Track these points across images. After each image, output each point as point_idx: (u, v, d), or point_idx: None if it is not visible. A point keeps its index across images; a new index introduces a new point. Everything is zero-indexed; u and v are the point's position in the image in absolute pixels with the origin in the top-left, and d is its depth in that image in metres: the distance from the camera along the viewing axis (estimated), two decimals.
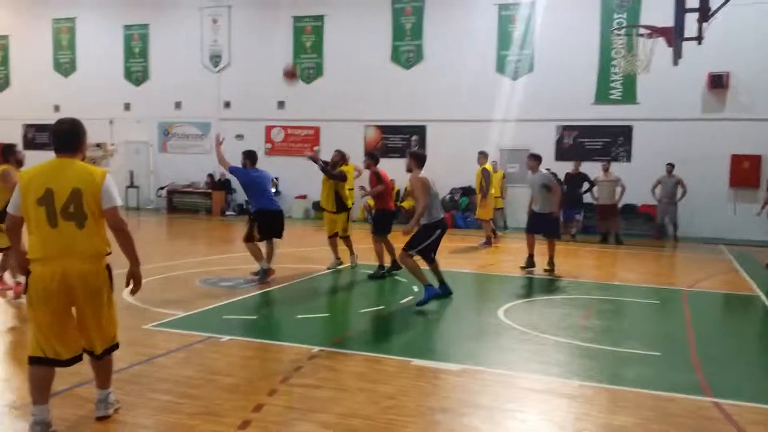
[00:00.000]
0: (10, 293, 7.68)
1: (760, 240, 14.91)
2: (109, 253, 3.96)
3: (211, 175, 20.74)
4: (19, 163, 7.51)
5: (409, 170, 7.91)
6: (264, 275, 8.84)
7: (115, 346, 4.11)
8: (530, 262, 10.39)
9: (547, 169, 10.81)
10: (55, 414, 3.95)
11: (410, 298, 8.13)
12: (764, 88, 15.38)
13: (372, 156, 10.22)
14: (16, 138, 23.65)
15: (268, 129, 20.59)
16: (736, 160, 15.71)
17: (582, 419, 4.39)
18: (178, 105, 21.53)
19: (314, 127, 19.95)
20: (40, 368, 3.80)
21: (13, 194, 3.88)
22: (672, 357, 5.94)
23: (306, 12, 19.86)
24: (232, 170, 9.13)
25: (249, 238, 9.01)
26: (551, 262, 10.23)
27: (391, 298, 8.45)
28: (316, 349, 5.73)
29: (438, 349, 6.22)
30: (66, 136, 3.92)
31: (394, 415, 4.33)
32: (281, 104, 20.31)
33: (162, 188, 21.34)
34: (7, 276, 7.91)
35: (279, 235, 9.16)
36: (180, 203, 20.81)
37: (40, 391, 3.80)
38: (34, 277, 3.77)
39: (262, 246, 9.03)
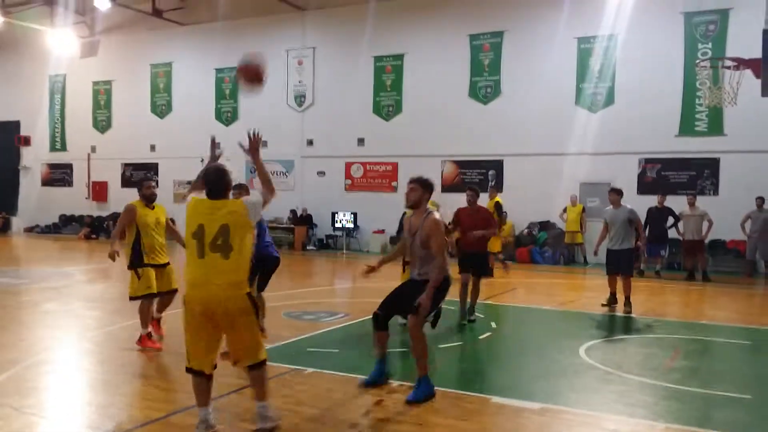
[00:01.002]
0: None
1: None
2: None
3: (293, 211, 21.44)
4: (149, 199, 7.42)
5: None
6: None
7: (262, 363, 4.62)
8: (612, 299, 10.21)
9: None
10: None
11: (488, 334, 8.17)
12: None
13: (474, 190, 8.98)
14: (115, 176, 25.41)
15: (348, 165, 21.16)
16: None
17: None
18: (264, 144, 22.26)
19: (392, 163, 20.36)
20: (195, 377, 4.49)
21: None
22: (765, 401, 5.72)
23: (386, 52, 20.45)
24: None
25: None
26: (629, 302, 9.99)
27: (469, 334, 8.49)
28: (395, 383, 5.87)
29: (518, 387, 6.22)
30: (216, 184, 4.55)
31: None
32: (361, 141, 20.86)
33: None
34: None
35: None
36: None
37: (199, 396, 4.51)
38: (187, 299, 4.43)
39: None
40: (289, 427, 4.77)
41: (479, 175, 18.86)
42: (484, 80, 18.94)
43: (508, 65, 18.60)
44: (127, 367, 6.48)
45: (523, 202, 16.38)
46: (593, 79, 17.39)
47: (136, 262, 7.16)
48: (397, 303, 5.74)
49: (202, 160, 7.15)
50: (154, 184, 7.70)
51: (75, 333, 7.96)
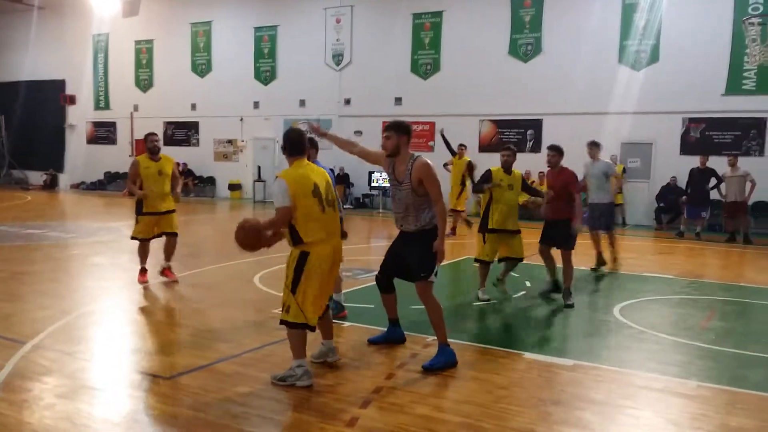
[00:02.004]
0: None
1: None
2: None
3: (331, 170, 21.57)
4: (151, 151, 8.17)
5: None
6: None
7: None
8: (600, 260, 10.14)
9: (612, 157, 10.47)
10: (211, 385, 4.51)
11: (523, 292, 8.26)
12: None
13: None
14: (158, 134, 25.80)
15: (385, 125, 21.08)
16: None
17: (698, 419, 4.38)
18: (302, 103, 22.59)
19: (429, 122, 20.26)
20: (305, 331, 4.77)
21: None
22: None
23: (425, 8, 20.19)
24: None
25: None
26: (601, 258, 10.04)
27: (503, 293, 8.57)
28: (430, 338, 6.01)
29: (551, 344, 6.32)
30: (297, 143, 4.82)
31: (506, 404, 4.54)
32: (398, 100, 20.78)
33: None
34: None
35: None
36: None
37: (299, 349, 4.75)
38: (316, 255, 4.65)
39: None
40: (329, 376, 4.98)
41: (518, 134, 18.68)
42: (525, 37, 18.59)
43: (549, 22, 18.20)
44: (172, 318, 6.79)
45: (562, 163, 16.11)
46: (637, 36, 16.92)
47: (138, 210, 8.11)
48: (394, 262, 5.55)
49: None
50: (156, 137, 8.30)
51: (123, 285, 8.31)
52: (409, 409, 4.38)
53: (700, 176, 14.17)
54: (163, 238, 8.30)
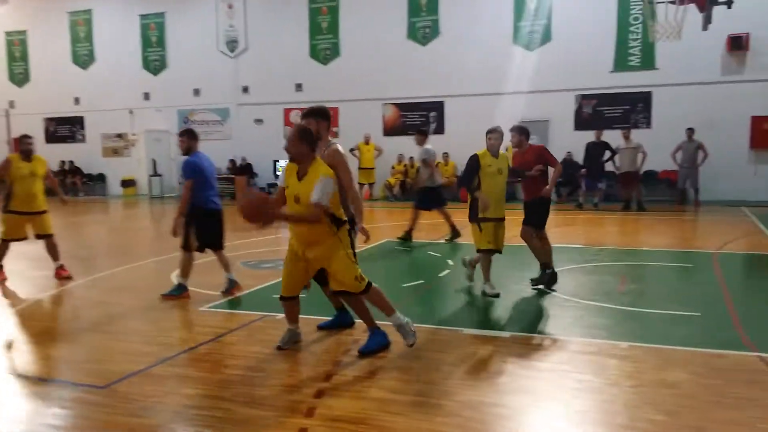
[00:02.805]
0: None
1: None
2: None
3: (232, 161, 21.00)
4: (24, 153, 8.14)
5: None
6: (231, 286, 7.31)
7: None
8: (408, 235, 10.75)
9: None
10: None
11: (447, 271, 8.38)
12: None
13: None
14: (37, 132, 24.09)
15: (287, 112, 20.79)
16: (756, 121, 15.75)
17: (635, 377, 4.60)
18: (196, 92, 21.76)
19: (333, 108, 20.09)
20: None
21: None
22: (712, 316, 6.13)
23: None
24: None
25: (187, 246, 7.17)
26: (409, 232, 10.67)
27: (431, 273, 8.67)
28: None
29: (485, 319, 6.45)
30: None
31: (455, 380, 4.57)
32: (299, 86, 20.48)
33: None
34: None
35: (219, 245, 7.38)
36: None
37: (388, 305, 5.15)
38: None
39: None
40: (275, 369, 4.82)
41: (420, 117, 18.91)
42: (423, 20, 18.79)
43: (446, 5, 18.49)
44: (94, 325, 6.33)
45: (465, 143, 16.43)
46: (530, 17, 17.53)
47: (4, 207, 8.15)
48: None
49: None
50: (30, 140, 8.35)
51: (30, 292, 7.68)
52: (364, 393, 4.33)
53: (596, 150, 14.94)
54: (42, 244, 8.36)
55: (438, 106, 18.74)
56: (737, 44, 15.52)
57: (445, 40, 18.51)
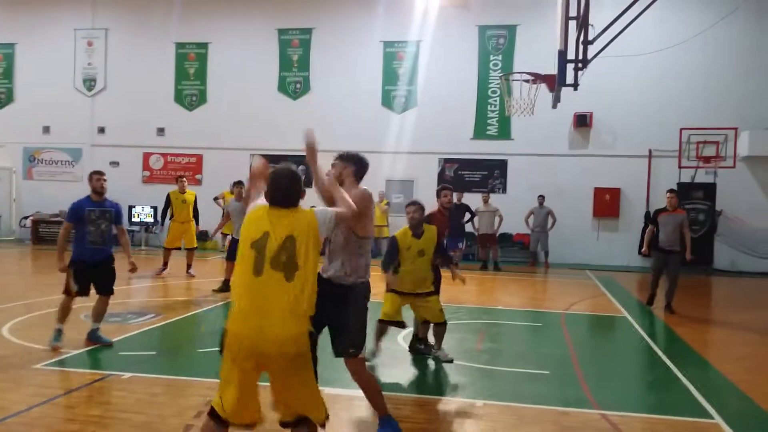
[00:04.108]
0: None
1: (619, 265, 16.44)
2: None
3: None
4: None
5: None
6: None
7: None
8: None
9: None
10: None
11: None
12: (622, 127, 17.14)
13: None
14: None
15: (146, 156, 19.91)
16: (599, 192, 17.25)
17: None
18: (46, 129, 20.33)
19: (197, 155, 19.56)
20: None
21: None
22: (560, 375, 6.45)
23: (189, 39, 19.57)
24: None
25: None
26: None
27: None
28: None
29: (344, 378, 6.32)
30: (286, 192, 3.51)
31: None
32: (161, 130, 19.75)
33: (26, 218, 19.89)
34: None
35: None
36: (47, 234, 19.41)
37: None
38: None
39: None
40: None
41: None
42: (294, 75, 18.96)
43: (317, 62, 18.80)
44: None
45: None
46: (398, 82, 18.25)
47: None
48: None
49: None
50: None
51: None
52: None
53: (457, 211, 15.55)
54: None
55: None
56: (582, 121, 17.10)
57: (315, 96, 18.73)
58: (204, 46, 19.53)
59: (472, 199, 16.17)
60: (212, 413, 3.35)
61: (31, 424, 4.53)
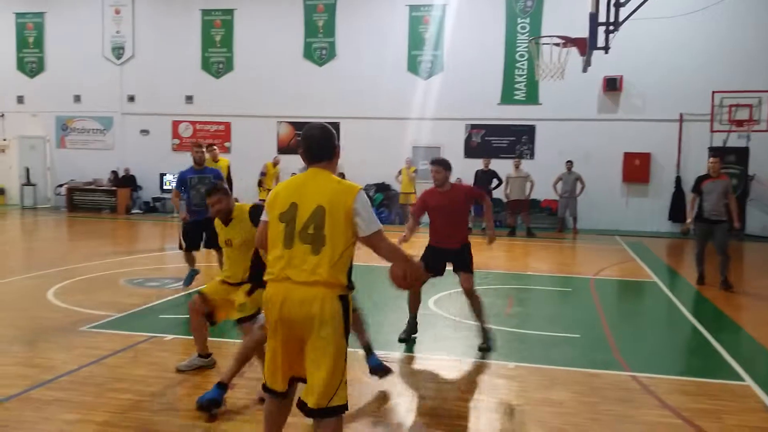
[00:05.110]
0: None
1: (649, 231, 16.33)
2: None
3: (114, 172, 20.00)
4: None
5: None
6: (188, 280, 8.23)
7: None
8: None
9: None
10: None
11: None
12: (653, 91, 16.81)
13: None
14: None
15: (176, 124, 20.11)
16: (629, 157, 17.05)
17: (522, 396, 4.82)
18: (77, 98, 20.60)
19: (225, 122, 19.70)
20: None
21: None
22: (590, 338, 6.54)
23: (215, 5, 19.55)
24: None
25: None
26: None
27: None
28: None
29: (379, 341, 6.46)
30: (318, 143, 3.36)
31: (354, 401, 4.57)
32: (189, 98, 19.89)
33: (61, 185, 20.32)
34: None
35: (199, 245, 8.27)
36: (82, 201, 19.87)
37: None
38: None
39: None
40: (165, 393, 4.61)
41: None
42: (319, 41, 18.89)
43: (342, 28, 18.69)
44: None
45: (360, 165, 16.67)
46: (424, 47, 18.09)
47: None
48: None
49: None
50: None
51: None
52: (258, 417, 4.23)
53: (484, 177, 15.56)
54: None
55: (334, 127, 18.63)
56: (612, 85, 16.82)
57: (341, 62, 18.68)
58: (230, 12, 19.50)
59: (501, 166, 16.10)
60: (264, 386, 3.33)
61: (83, 383, 4.76)
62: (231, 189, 12.98)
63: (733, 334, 7.02)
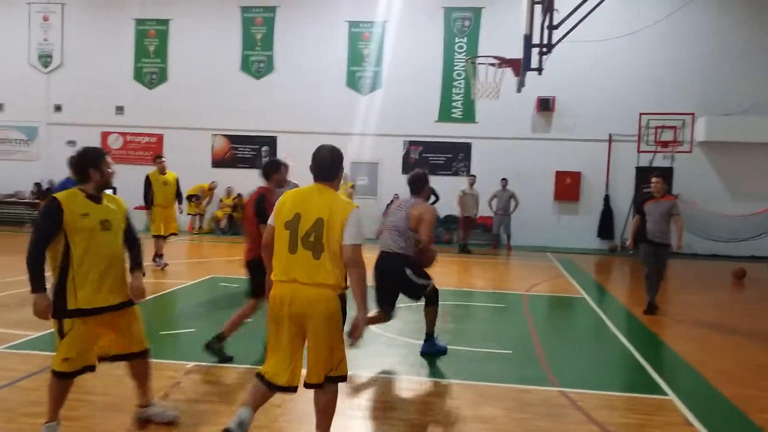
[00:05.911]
0: None
1: (579, 248, 16.80)
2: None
3: (38, 184, 19.16)
4: None
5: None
6: None
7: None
8: None
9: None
10: None
11: None
12: (584, 112, 17.41)
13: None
14: None
15: (105, 135, 19.47)
16: (560, 176, 17.54)
17: (455, 413, 4.82)
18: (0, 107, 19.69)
19: (157, 134, 19.21)
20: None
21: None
22: (522, 354, 6.62)
23: (149, 15, 19.12)
24: None
25: None
26: None
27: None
28: (191, 364, 5.67)
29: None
30: (325, 166, 3.89)
31: (285, 422, 4.46)
32: (120, 109, 19.33)
33: None
34: None
35: None
36: (2, 215, 18.93)
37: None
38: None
39: None
40: (83, 417, 4.40)
41: (252, 151, 18.67)
42: (257, 55, 18.72)
43: (281, 42, 18.59)
44: None
45: (298, 179, 16.47)
46: (363, 63, 18.17)
47: None
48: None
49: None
50: None
51: None
52: None
53: None
54: None
55: (271, 141, 18.63)
56: (545, 105, 17.32)
57: (279, 76, 18.54)
58: (165, 23, 19.11)
59: (437, 183, 16.24)
60: (259, 376, 3.85)
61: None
62: (180, 201, 12.26)
63: (657, 349, 7.25)
